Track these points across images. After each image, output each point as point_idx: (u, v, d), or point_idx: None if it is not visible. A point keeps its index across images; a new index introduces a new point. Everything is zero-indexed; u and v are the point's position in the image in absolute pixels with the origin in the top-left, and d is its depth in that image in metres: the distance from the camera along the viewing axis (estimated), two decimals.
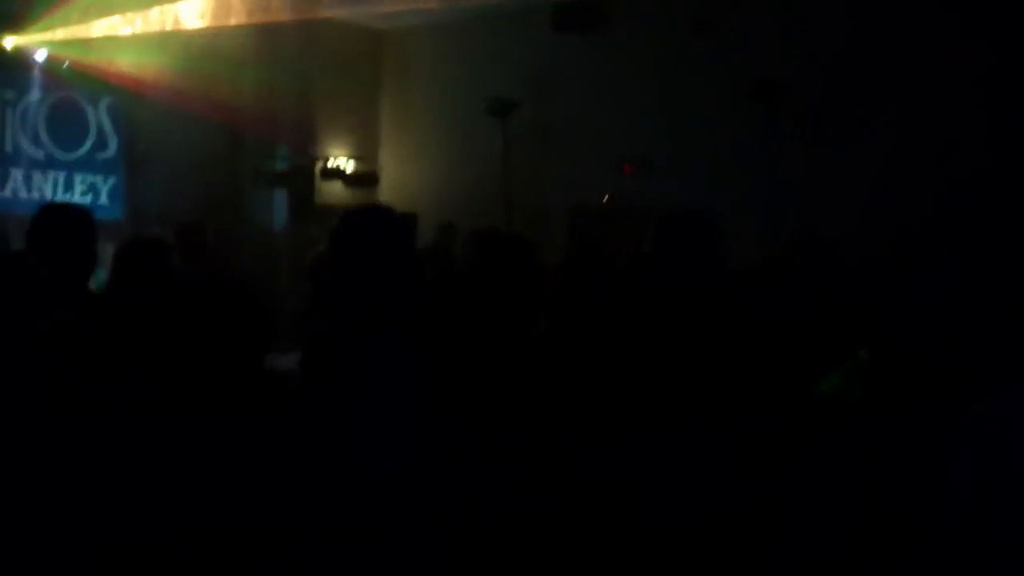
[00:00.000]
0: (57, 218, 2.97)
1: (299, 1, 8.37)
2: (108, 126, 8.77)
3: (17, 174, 8.37)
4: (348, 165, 9.98)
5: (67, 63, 8.42)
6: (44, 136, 8.52)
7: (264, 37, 8.88)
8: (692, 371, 2.52)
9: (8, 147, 8.38)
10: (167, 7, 8.34)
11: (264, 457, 2.34)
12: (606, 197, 8.17)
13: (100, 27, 8.31)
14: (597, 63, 8.67)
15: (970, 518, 2.04)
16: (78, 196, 8.57)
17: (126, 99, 8.69)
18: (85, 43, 8.34)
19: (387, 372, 2.33)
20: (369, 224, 2.52)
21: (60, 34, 8.19)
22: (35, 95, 8.41)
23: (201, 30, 8.47)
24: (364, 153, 10.21)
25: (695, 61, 8.06)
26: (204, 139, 8.76)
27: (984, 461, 2.03)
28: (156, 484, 2.36)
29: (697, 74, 8.05)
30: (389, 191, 9.99)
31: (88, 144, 8.71)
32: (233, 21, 8.38)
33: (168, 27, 8.41)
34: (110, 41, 8.43)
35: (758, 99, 7.53)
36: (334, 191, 9.81)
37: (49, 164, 8.54)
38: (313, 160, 9.85)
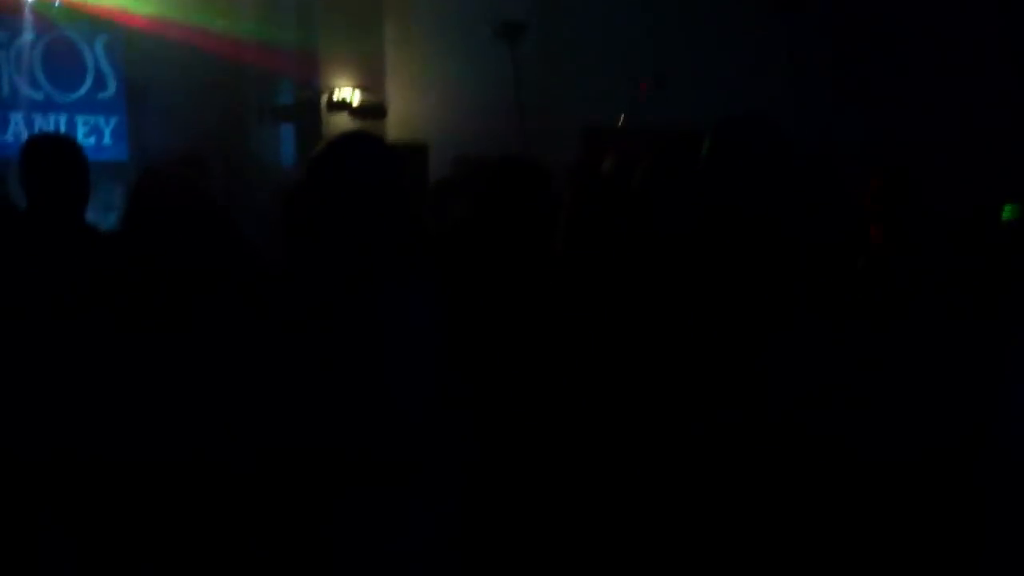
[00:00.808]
0: (48, 149, 2.88)
1: None
2: (106, 65, 8.56)
3: (17, 117, 8.20)
4: (354, 96, 9.75)
5: (58, 2, 8.18)
6: (42, 78, 8.32)
7: None
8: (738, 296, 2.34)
9: (5, 90, 8.20)
10: None
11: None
12: (621, 119, 7.94)
13: None
14: None
15: None
16: (82, 138, 8.39)
17: (122, 37, 8.46)
18: None
19: (399, 319, 2.17)
20: (352, 153, 2.29)
21: None
22: (27, 36, 8.19)
23: None
24: (369, 83, 9.97)
25: None
26: (205, 75, 8.55)
27: None
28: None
29: None
30: (397, 122, 9.77)
31: (87, 84, 8.51)
32: None
33: None
34: None
35: (780, 11, 7.23)
36: (341, 124, 9.61)
37: (49, 106, 8.36)
38: (318, 93, 9.65)
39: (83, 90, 8.50)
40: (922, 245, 3.55)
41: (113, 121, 8.61)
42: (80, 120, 8.48)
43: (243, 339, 2.39)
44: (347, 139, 2.35)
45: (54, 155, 2.83)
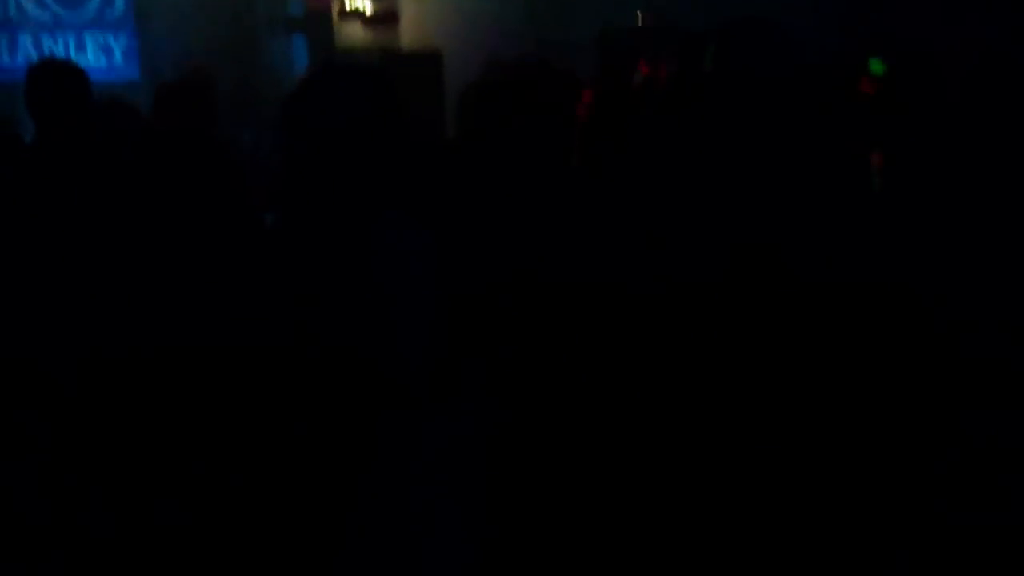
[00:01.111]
0: (49, 78, 2.83)
1: None
2: None
3: (26, 39, 8.08)
4: (366, 4, 9.54)
5: None
6: None
7: None
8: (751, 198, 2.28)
9: (12, 11, 8.06)
10: None
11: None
12: (640, 16, 7.73)
13: None
14: None
15: None
16: (92, 58, 8.29)
17: None
18: None
19: (393, 257, 2.10)
20: (329, 87, 2.15)
21: None
22: None
23: None
24: None
25: None
26: None
27: None
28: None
29: None
30: (410, 29, 9.57)
31: (95, 2, 8.35)
32: None
33: None
34: None
35: None
36: (354, 33, 9.43)
37: (57, 26, 8.22)
38: (329, 2, 9.44)
39: (91, 9, 8.35)
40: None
41: (123, 39, 8.47)
42: (89, 40, 8.35)
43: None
44: (322, 76, 2.23)
45: (56, 84, 2.79)
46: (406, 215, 2.15)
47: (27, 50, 8.08)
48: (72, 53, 8.21)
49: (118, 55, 8.46)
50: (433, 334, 2.11)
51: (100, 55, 8.34)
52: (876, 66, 3.71)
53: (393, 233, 2.11)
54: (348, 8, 9.44)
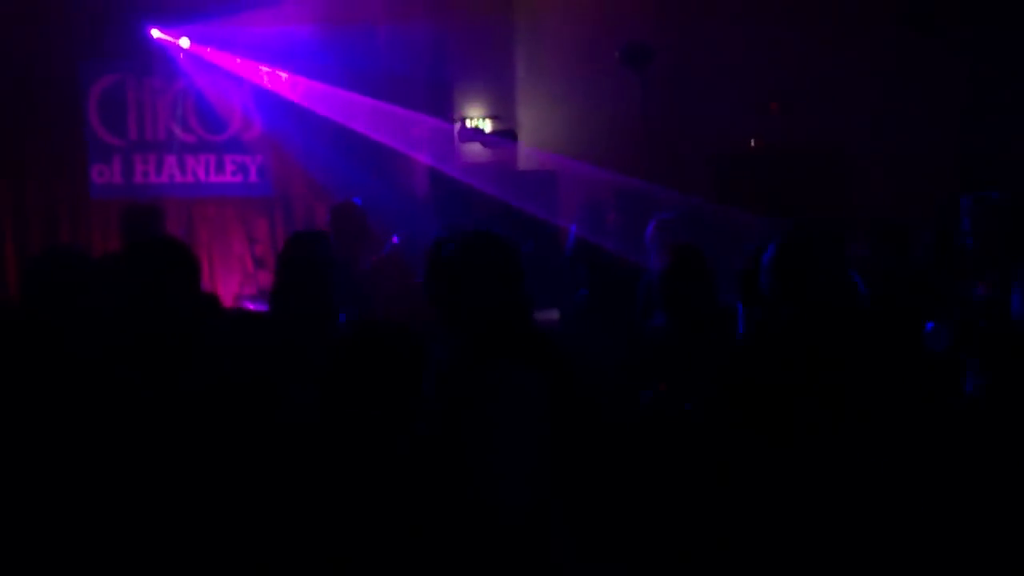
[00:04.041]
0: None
1: None
2: (252, 107, 8.99)
3: (171, 160, 8.72)
4: (486, 125, 9.91)
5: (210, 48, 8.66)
6: (193, 121, 8.82)
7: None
8: None
9: (162, 134, 8.73)
10: None
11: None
12: (752, 143, 7.82)
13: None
14: None
15: None
16: (229, 176, 8.89)
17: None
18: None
19: (506, 401, 2.20)
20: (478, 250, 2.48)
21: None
22: (181, 82, 8.71)
23: None
24: (501, 111, 10.10)
25: None
26: None
27: None
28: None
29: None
30: (528, 146, 9.87)
31: (235, 126, 8.96)
32: None
33: None
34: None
35: (912, 26, 6.98)
36: (473, 152, 9.78)
37: (200, 147, 8.84)
38: (452, 123, 9.82)
39: (231, 131, 8.96)
40: None
41: (259, 159, 9.04)
42: (228, 159, 8.95)
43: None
44: (473, 236, 2.56)
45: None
46: (518, 360, 2.27)
47: (171, 169, 8.71)
48: (212, 172, 8.83)
49: (253, 173, 9.01)
50: (539, 473, 2.19)
51: (237, 173, 8.92)
52: None
53: (506, 375, 2.25)
54: (469, 127, 9.80)
